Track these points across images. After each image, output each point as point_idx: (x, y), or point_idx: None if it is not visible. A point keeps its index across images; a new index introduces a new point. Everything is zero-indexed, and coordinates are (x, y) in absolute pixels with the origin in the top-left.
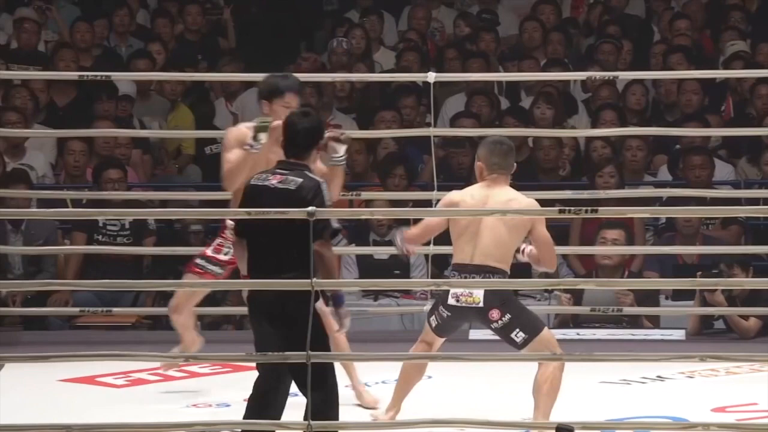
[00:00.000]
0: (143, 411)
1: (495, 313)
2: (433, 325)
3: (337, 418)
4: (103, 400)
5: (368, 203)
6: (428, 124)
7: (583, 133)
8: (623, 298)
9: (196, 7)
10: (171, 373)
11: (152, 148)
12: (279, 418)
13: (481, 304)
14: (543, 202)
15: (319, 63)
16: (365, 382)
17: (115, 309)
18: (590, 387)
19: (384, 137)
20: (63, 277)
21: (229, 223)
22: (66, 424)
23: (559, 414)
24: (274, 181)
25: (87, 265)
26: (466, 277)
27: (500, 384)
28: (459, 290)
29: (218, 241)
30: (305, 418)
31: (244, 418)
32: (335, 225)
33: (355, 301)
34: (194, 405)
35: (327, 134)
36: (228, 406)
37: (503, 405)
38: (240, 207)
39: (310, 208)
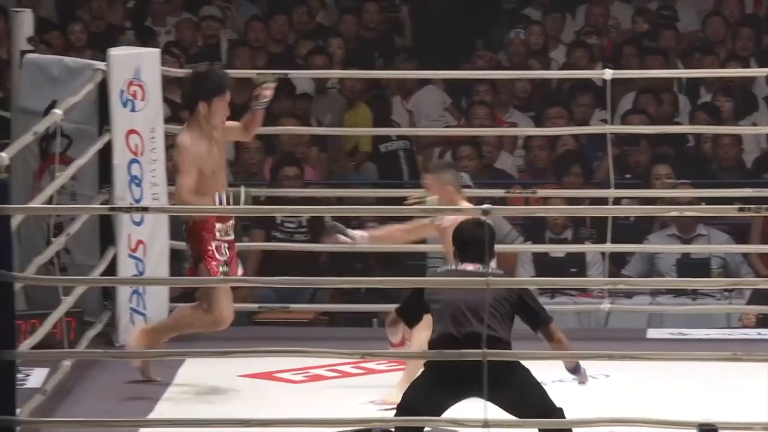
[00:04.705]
0: (320, 407)
1: None
2: None
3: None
4: (281, 395)
5: (545, 201)
6: (604, 121)
7: (764, 130)
8: None
9: (374, 5)
10: (348, 369)
11: (329, 145)
12: None
13: None
14: (723, 200)
15: (495, 61)
16: (541, 380)
17: (292, 305)
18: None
19: (562, 135)
20: (242, 274)
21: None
22: (245, 419)
23: (739, 414)
24: (469, 267)
25: (265, 262)
26: None
27: (678, 384)
28: None
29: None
30: None
31: None
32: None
33: None
34: (371, 401)
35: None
36: None
37: (681, 405)
38: (428, 297)
39: (485, 206)
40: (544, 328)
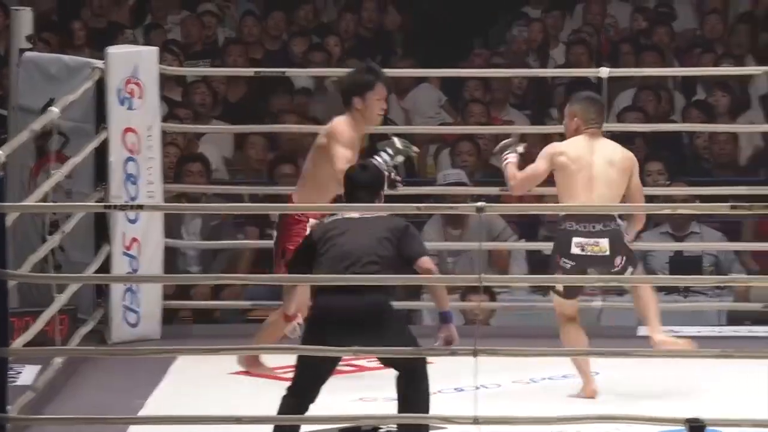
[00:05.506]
0: (312, 404)
1: (618, 260)
2: (562, 289)
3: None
4: (272, 392)
5: (539, 198)
6: None
7: (759, 128)
8: None
9: (372, 3)
10: (339, 366)
11: None
12: None
13: (607, 253)
14: (716, 198)
15: (492, 59)
16: (531, 378)
17: None
18: (761, 384)
19: (554, 132)
20: (235, 272)
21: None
22: (237, 416)
23: (727, 411)
24: (354, 214)
25: (259, 260)
26: (586, 226)
27: (669, 381)
28: (583, 240)
29: None
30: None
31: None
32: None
33: (525, 296)
34: (361, 399)
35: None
36: (394, 399)
37: (671, 402)
38: (308, 245)
39: (479, 203)
40: (415, 262)
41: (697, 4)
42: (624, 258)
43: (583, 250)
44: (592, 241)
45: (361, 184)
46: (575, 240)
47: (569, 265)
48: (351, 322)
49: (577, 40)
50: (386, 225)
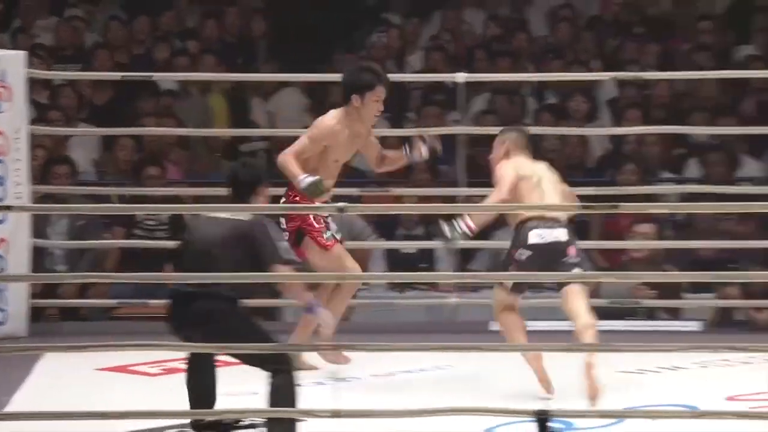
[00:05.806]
0: (177, 399)
1: (573, 250)
2: (510, 284)
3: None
4: (138, 388)
5: (397, 199)
6: (456, 122)
7: (608, 131)
8: (639, 291)
9: (234, 9)
10: None
11: (191, 144)
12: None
13: (566, 238)
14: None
15: (354, 63)
16: (390, 371)
17: (151, 301)
18: (607, 376)
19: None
20: (102, 271)
21: None
22: (102, 411)
23: (575, 402)
24: (223, 214)
25: (125, 259)
26: (546, 222)
27: (518, 374)
28: (542, 231)
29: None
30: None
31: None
32: (290, 255)
33: (383, 293)
34: (224, 393)
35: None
36: (256, 394)
37: (521, 394)
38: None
39: (340, 204)
40: (270, 269)
41: (549, 12)
42: (579, 252)
43: (542, 238)
44: (549, 231)
45: (239, 180)
46: (535, 231)
47: (524, 256)
48: (189, 330)
49: (434, 46)
50: (239, 232)
